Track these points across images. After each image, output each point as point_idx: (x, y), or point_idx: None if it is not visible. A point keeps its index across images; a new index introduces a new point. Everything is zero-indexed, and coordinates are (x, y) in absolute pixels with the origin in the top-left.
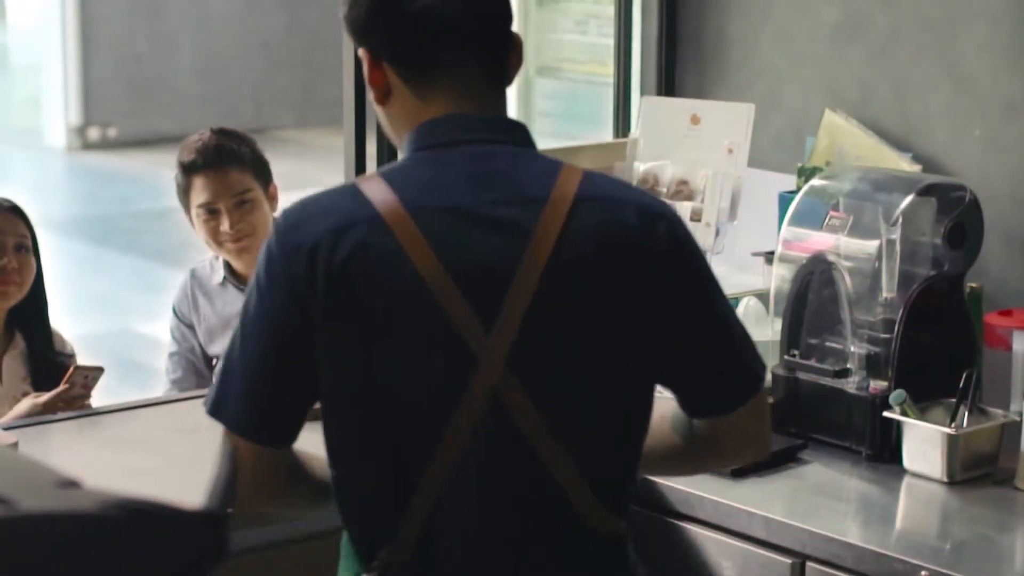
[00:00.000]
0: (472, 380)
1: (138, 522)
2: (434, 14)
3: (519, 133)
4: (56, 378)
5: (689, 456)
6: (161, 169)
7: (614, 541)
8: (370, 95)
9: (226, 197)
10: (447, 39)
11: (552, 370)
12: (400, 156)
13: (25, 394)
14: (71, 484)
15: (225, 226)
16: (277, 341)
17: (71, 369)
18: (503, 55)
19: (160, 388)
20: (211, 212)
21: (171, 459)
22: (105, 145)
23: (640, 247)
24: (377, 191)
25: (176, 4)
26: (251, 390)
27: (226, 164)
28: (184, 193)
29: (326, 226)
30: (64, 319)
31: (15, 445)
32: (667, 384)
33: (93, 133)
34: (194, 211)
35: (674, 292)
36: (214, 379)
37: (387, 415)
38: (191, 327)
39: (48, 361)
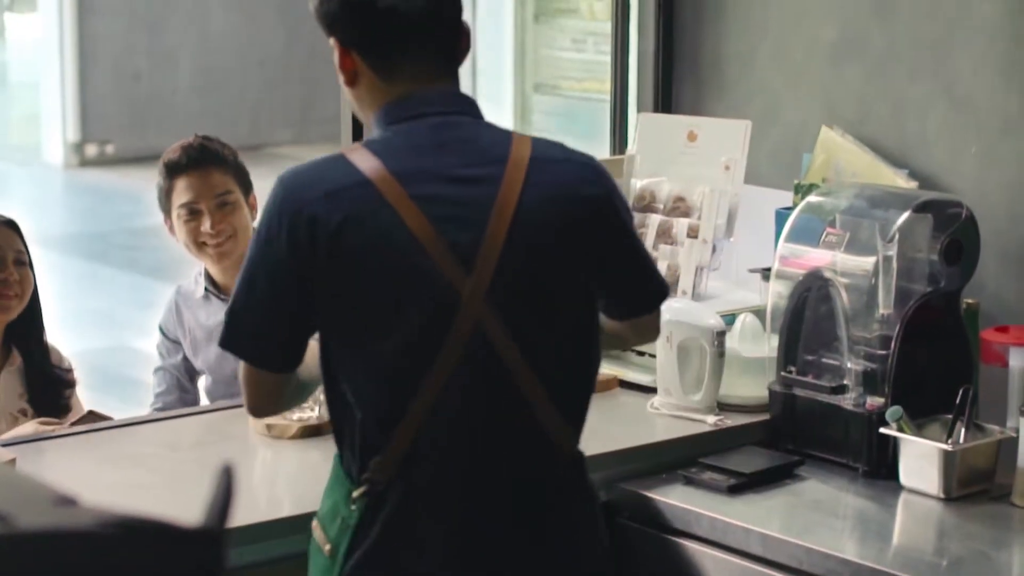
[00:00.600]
0: (456, 317)
1: (136, 539)
2: (400, 12)
3: (472, 106)
4: (53, 394)
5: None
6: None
7: (576, 461)
8: (340, 79)
9: (208, 198)
10: (410, 33)
11: (523, 303)
12: (368, 132)
13: (22, 411)
14: (69, 501)
15: (206, 226)
16: (280, 289)
17: (86, 412)
18: (455, 42)
19: None
20: (192, 212)
21: (169, 476)
22: (103, 162)
23: (586, 198)
24: (363, 159)
25: (174, 21)
26: (260, 329)
27: (209, 165)
28: (166, 196)
29: (322, 191)
30: (61, 335)
31: (13, 462)
32: (601, 298)
33: (91, 150)
34: (175, 212)
35: (610, 232)
36: (225, 317)
37: (382, 350)
38: (176, 342)
39: (45, 377)
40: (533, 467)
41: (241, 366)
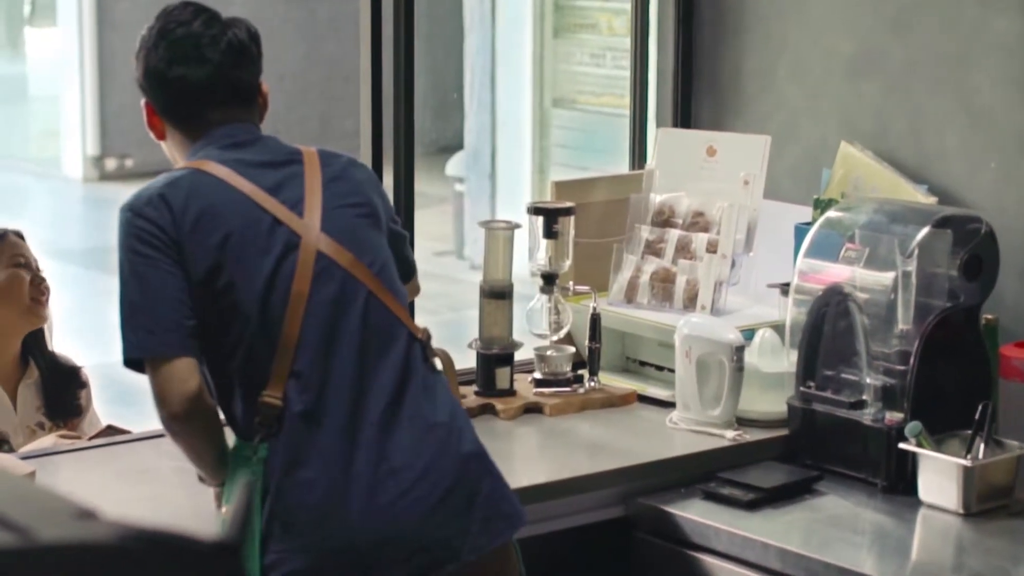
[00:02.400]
0: (300, 249)
1: (155, 552)
2: (188, 81)
3: (260, 133)
4: (68, 395)
5: None
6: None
7: (423, 343)
8: (151, 134)
9: None
10: (200, 97)
11: (345, 226)
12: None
13: (39, 424)
14: (88, 514)
15: None
16: (165, 276)
17: (104, 427)
18: (250, 100)
19: None
20: None
21: (187, 489)
22: (122, 175)
23: (366, 177)
24: (188, 163)
25: None
26: (157, 322)
27: None
28: None
29: (162, 183)
30: (80, 348)
31: (32, 475)
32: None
33: (110, 163)
34: None
35: (384, 201)
36: (121, 332)
37: (246, 298)
38: None
39: (57, 376)
40: (390, 341)
41: (152, 374)
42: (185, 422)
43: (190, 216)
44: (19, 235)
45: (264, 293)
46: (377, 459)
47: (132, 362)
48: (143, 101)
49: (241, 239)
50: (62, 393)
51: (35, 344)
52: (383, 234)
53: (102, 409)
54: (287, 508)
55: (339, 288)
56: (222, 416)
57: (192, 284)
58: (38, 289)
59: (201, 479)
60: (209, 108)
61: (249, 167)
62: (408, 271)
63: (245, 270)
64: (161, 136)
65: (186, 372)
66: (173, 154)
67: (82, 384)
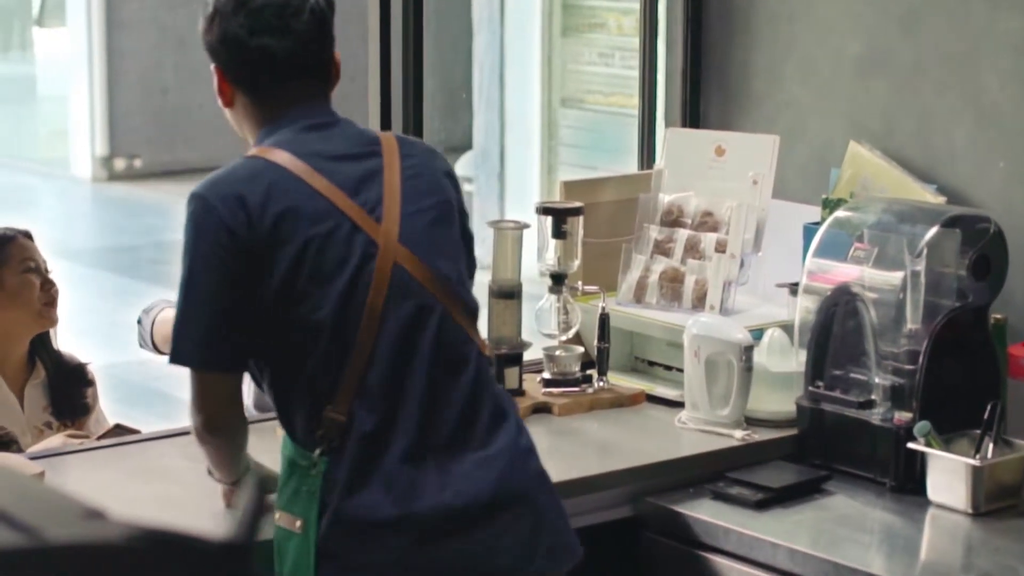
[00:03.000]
0: (377, 259)
1: (163, 553)
2: (270, 52)
3: (337, 115)
4: (74, 394)
5: None
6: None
7: (490, 361)
8: (218, 100)
9: None
10: (280, 70)
11: (423, 236)
12: (247, 147)
13: (47, 423)
14: (96, 514)
15: None
16: (228, 283)
17: (112, 426)
18: (327, 73)
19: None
20: None
21: (196, 489)
22: (131, 176)
23: (444, 169)
24: (263, 152)
25: None
26: (210, 333)
27: None
28: None
29: (240, 176)
30: (89, 348)
31: (41, 475)
32: None
33: (119, 164)
34: None
35: (460, 197)
36: (172, 334)
37: (321, 308)
38: None
39: (63, 375)
40: (461, 362)
41: (193, 381)
42: (216, 434)
43: (268, 219)
44: (28, 236)
45: (339, 305)
46: (442, 484)
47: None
48: (213, 66)
49: (320, 247)
50: (69, 392)
51: (41, 344)
52: (457, 231)
53: (109, 409)
54: (347, 528)
55: (415, 304)
56: (278, 420)
57: (263, 291)
58: (48, 294)
59: (210, 473)
60: (288, 81)
61: (328, 161)
62: (472, 270)
63: (321, 280)
64: (229, 103)
65: (228, 388)
66: (240, 123)
67: (88, 382)
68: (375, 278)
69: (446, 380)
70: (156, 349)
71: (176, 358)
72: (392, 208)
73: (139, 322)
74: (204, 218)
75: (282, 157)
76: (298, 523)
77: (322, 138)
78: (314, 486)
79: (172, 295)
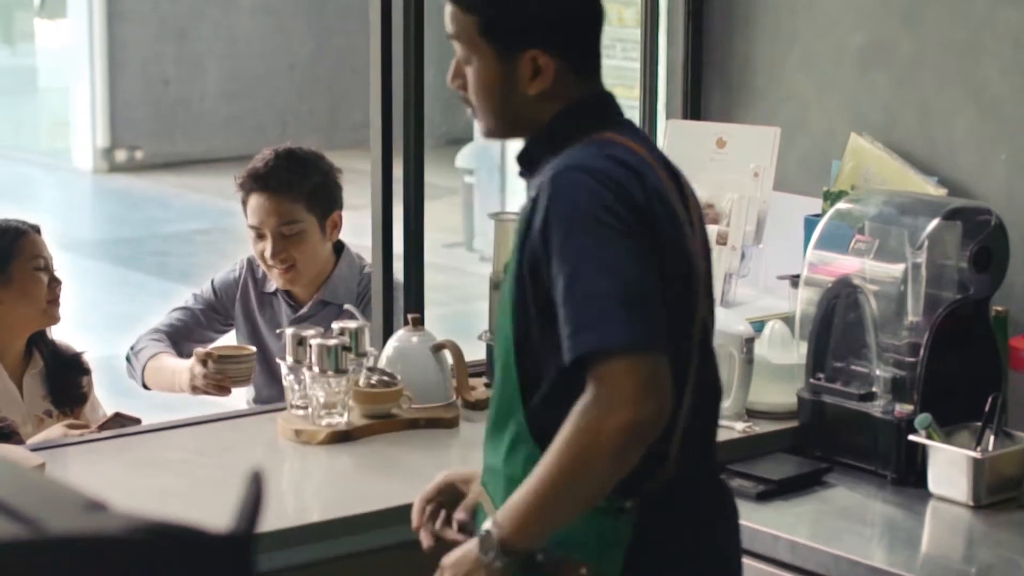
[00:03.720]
0: (696, 272)
1: (165, 545)
2: (602, 16)
3: None
4: (71, 383)
5: None
6: (187, 191)
7: None
8: (522, 84)
9: (271, 224)
10: (600, 36)
11: (705, 251)
12: (513, 126)
13: (47, 412)
14: (98, 506)
15: (268, 251)
16: (647, 263)
17: (112, 415)
18: None
19: (184, 411)
20: (259, 235)
21: (198, 481)
22: (132, 167)
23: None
24: (634, 146)
25: (203, 27)
26: (655, 312)
27: (275, 191)
28: (243, 206)
29: (615, 153)
30: (90, 340)
31: (42, 467)
32: None
33: (120, 155)
34: (248, 225)
35: None
36: (600, 327)
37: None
38: (216, 312)
39: (59, 364)
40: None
41: (628, 372)
42: (644, 439)
43: (652, 200)
44: (38, 231)
45: (687, 314)
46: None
47: (578, 361)
48: (530, 54)
49: (674, 242)
50: (66, 381)
51: (38, 334)
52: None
53: (110, 401)
54: None
55: (706, 363)
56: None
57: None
58: (53, 292)
59: (504, 546)
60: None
61: (664, 167)
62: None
63: (676, 279)
64: (533, 75)
65: (668, 377)
66: (537, 101)
67: (84, 371)
68: (700, 295)
69: (712, 409)
70: (147, 388)
71: (616, 339)
72: (693, 221)
73: (128, 360)
74: (599, 190)
75: (652, 163)
76: None
77: (635, 134)
78: (622, 535)
79: (173, 287)
